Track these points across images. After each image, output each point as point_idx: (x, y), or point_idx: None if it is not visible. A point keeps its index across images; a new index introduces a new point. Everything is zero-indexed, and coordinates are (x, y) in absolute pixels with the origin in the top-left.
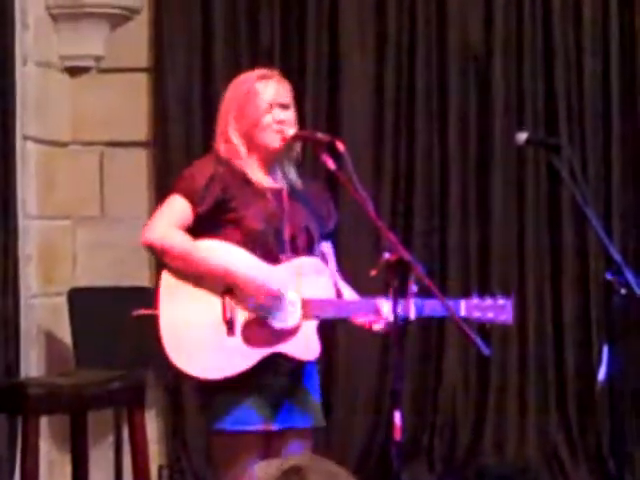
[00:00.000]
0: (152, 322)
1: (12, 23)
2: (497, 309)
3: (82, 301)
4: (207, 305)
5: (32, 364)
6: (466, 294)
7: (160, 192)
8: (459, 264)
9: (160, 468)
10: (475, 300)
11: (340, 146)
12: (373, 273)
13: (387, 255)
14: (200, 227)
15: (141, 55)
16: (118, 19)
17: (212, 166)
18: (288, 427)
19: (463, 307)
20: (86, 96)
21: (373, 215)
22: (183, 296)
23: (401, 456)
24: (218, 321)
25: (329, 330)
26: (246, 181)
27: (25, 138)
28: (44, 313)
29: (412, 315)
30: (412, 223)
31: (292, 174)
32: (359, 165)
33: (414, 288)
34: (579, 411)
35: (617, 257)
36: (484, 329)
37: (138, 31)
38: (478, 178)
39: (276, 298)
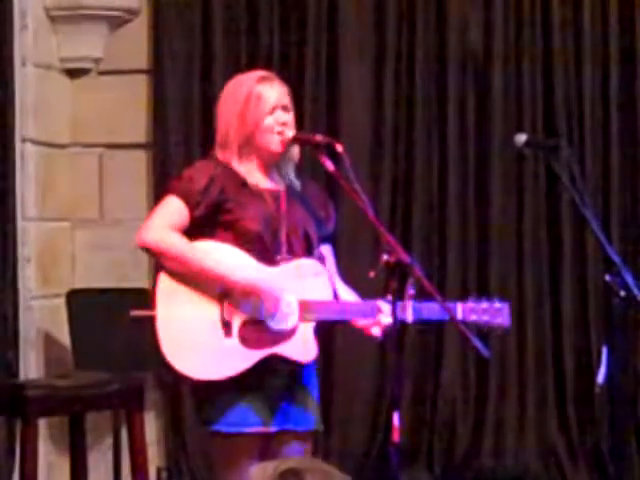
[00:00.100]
0: (150, 324)
1: (11, 25)
2: (493, 312)
3: (81, 303)
4: (204, 306)
5: (31, 366)
6: (465, 296)
7: (159, 194)
8: (458, 266)
9: (159, 470)
10: (471, 303)
11: (339, 148)
12: (372, 275)
13: (386, 257)
14: (197, 228)
15: (140, 57)
16: (117, 21)
17: (210, 168)
18: (286, 429)
19: (459, 310)
20: (85, 98)
21: (372, 217)
22: (180, 297)
23: (400, 458)
24: (215, 323)
25: (328, 332)
26: (244, 183)
27: (24, 140)
28: (43, 315)
29: (409, 317)
30: (411, 225)
31: (290, 176)
32: (358, 169)
33: (411, 290)
34: (578, 413)
35: (616, 259)
36: (483, 331)
37: (137, 33)
38: (477, 180)
39: (273, 302)
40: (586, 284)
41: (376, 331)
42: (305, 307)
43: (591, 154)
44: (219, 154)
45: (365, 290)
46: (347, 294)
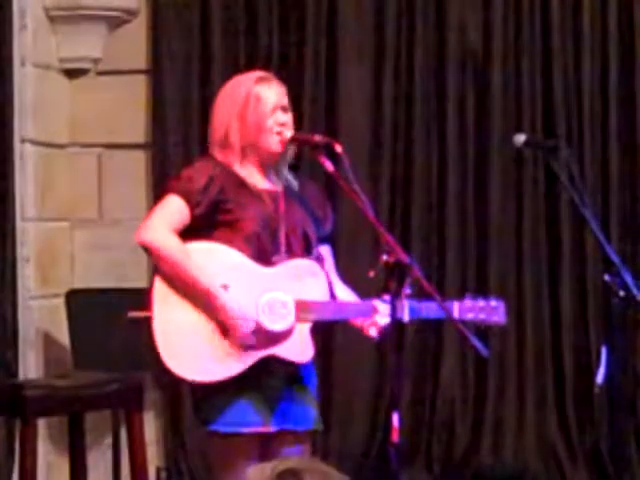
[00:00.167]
0: (148, 324)
1: (10, 25)
2: (489, 310)
3: (80, 303)
4: (200, 308)
5: (30, 366)
6: (463, 296)
7: (158, 194)
8: (457, 266)
9: (158, 469)
10: (468, 302)
11: (338, 148)
12: (371, 275)
13: (385, 257)
14: (196, 228)
15: (139, 57)
16: (116, 21)
17: (210, 168)
18: (286, 429)
19: (456, 309)
20: (84, 98)
21: (371, 217)
22: (176, 299)
23: (399, 457)
24: (212, 324)
25: (327, 331)
26: (243, 183)
27: (23, 140)
28: (42, 315)
29: (406, 317)
30: (410, 225)
31: (287, 176)
32: (357, 169)
33: (408, 290)
34: (577, 412)
35: (615, 259)
36: (482, 330)
37: (136, 33)
38: (476, 180)
39: (251, 329)
40: (585, 284)
41: (372, 332)
42: (302, 307)
43: (590, 154)
44: (218, 154)
45: (364, 290)
46: (346, 294)
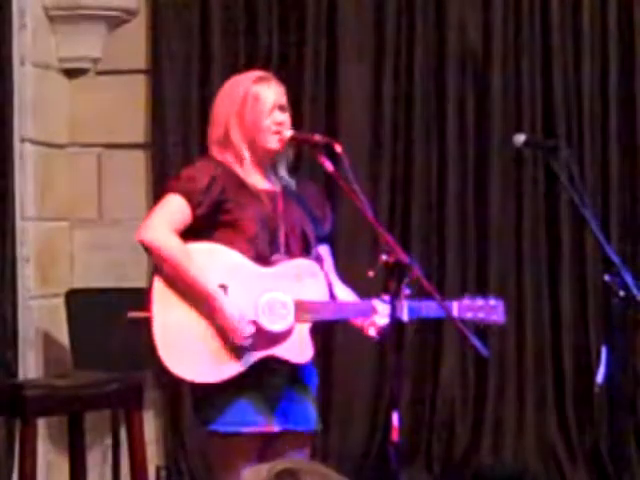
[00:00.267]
0: (146, 323)
1: (10, 24)
2: (488, 309)
3: (80, 302)
4: (200, 308)
5: (30, 365)
6: (463, 296)
7: (158, 194)
8: (457, 266)
9: (158, 469)
10: (466, 301)
11: (338, 148)
12: (371, 274)
13: (385, 257)
14: (197, 228)
15: (139, 57)
16: (116, 21)
17: (211, 168)
18: (286, 429)
19: (455, 308)
20: (84, 98)
21: (371, 217)
22: (175, 300)
23: (399, 457)
24: (211, 325)
25: (326, 332)
26: (242, 183)
27: (23, 140)
28: (42, 314)
29: (405, 317)
30: (410, 225)
31: (285, 175)
32: (357, 169)
33: (407, 290)
34: (577, 413)
35: (615, 259)
36: (482, 330)
37: (136, 33)
38: (476, 179)
39: (249, 333)
40: (585, 284)
41: (372, 332)
42: (301, 307)
43: (590, 154)
44: (217, 153)
45: (364, 290)
46: (345, 294)
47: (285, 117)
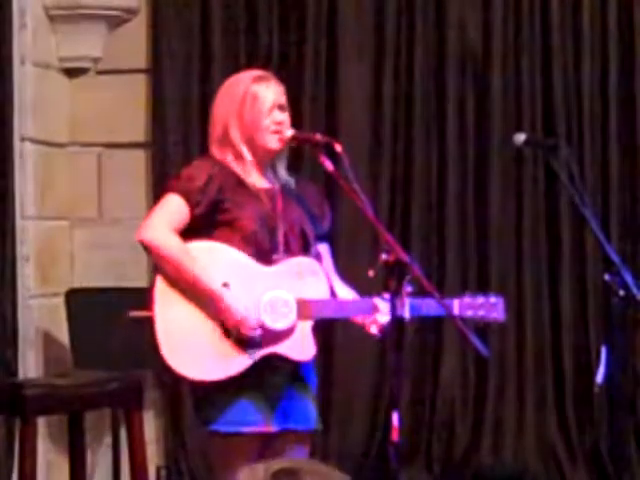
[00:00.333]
0: (149, 323)
1: (10, 24)
2: (489, 307)
3: (80, 302)
4: (202, 307)
5: (30, 365)
6: (464, 294)
7: (158, 194)
8: (457, 265)
9: (158, 468)
10: (467, 298)
11: (338, 147)
12: (371, 274)
13: (385, 256)
14: (195, 227)
15: (139, 56)
16: (116, 20)
17: (209, 167)
18: (286, 429)
19: (456, 306)
20: (84, 97)
21: (371, 216)
22: (178, 298)
23: (399, 457)
24: (213, 323)
25: (327, 331)
26: (240, 182)
27: (23, 139)
28: (42, 314)
29: (407, 314)
30: (410, 224)
31: (284, 174)
32: (357, 168)
33: (409, 288)
34: (577, 412)
35: (615, 258)
36: (482, 330)
37: (136, 32)
38: (476, 179)
39: (255, 328)
40: (585, 283)
41: (374, 330)
42: (303, 306)
43: (590, 153)
44: (216, 153)
45: (364, 289)
46: (345, 292)
47: (284, 116)
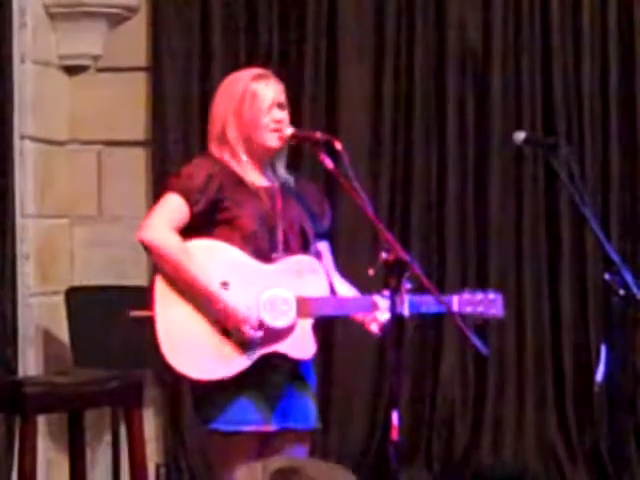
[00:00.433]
0: (149, 322)
1: (10, 22)
2: (488, 303)
3: (80, 300)
4: (201, 306)
5: (30, 363)
6: (463, 290)
7: (158, 191)
8: (457, 264)
9: (157, 466)
10: (466, 295)
11: (338, 145)
12: (371, 273)
13: (385, 255)
14: (195, 226)
15: (139, 54)
16: (116, 18)
17: (209, 165)
18: (287, 428)
19: (455, 302)
20: (84, 95)
21: (371, 215)
22: (178, 297)
23: (399, 456)
24: (214, 322)
25: (326, 329)
26: (240, 181)
27: (23, 137)
28: (42, 312)
29: (406, 312)
30: (410, 223)
31: (282, 173)
32: (357, 167)
33: (408, 285)
34: (577, 412)
35: (615, 257)
36: (481, 328)
37: (136, 30)
38: (476, 178)
39: (238, 321)
40: (585, 283)
41: (374, 327)
42: (303, 304)
43: (590, 152)
44: (215, 151)
45: (364, 287)
46: (345, 289)
47: (284, 115)
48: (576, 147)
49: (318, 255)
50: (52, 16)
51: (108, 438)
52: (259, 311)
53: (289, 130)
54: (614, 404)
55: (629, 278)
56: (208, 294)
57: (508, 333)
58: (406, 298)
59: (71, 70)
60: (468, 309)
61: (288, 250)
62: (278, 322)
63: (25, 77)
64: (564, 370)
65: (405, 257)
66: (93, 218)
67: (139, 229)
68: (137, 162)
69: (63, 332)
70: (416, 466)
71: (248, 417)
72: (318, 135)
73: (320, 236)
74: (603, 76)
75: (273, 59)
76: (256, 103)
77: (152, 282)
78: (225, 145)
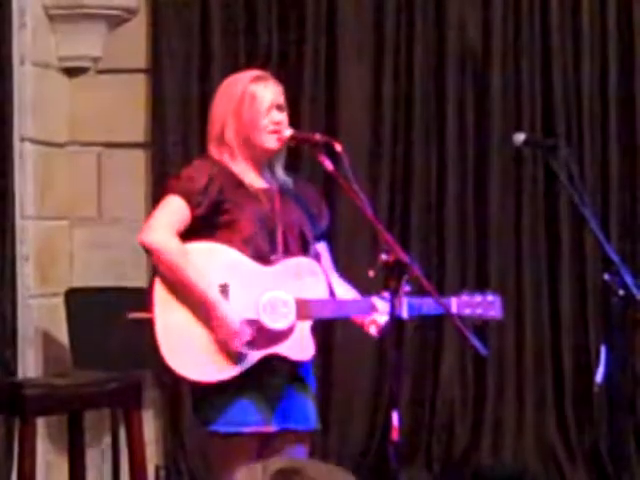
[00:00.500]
0: (148, 324)
1: (10, 23)
2: (486, 305)
3: (79, 302)
4: (200, 310)
5: (29, 364)
6: (461, 292)
7: (157, 193)
8: (456, 266)
9: (157, 468)
10: (465, 297)
11: (337, 147)
12: (371, 274)
13: (384, 256)
14: (196, 229)
15: (139, 56)
16: (116, 20)
17: (209, 167)
18: (287, 429)
19: (454, 304)
20: (84, 97)
21: (371, 216)
22: (177, 300)
23: (399, 456)
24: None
25: (326, 330)
26: (239, 183)
27: (23, 139)
28: (41, 313)
29: (405, 314)
30: (409, 224)
31: (281, 174)
32: (357, 169)
33: (407, 287)
34: (577, 412)
35: (615, 258)
36: (481, 329)
37: (136, 32)
38: (476, 179)
39: (242, 347)
40: (585, 283)
41: (372, 330)
42: (302, 306)
43: (590, 153)
44: (214, 152)
45: (363, 289)
46: (344, 290)
47: (282, 116)
48: (575, 147)
49: (317, 256)
50: (52, 17)
51: (107, 440)
52: (258, 313)
53: (288, 132)
54: (613, 404)
55: (628, 278)
56: (206, 300)
57: (508, 334)
58: (405, 300)
59: (71, 72)
60: (467, 311)
61: (287, 252)
62: (278, 324)
63: (25, 79)
64: (564, 370)
65: (405, 258)
66: (93, 220)
67: (140, 231)
68: (137, 164)
69: (62, 334)
70: (416, 466)
71: (248, 418)
72: (317, 137)
73: (318, 237)
74: (603, 76)
75: (272, 60)
76: (255, 105)
77: (151, 284)
78: (224, 146)
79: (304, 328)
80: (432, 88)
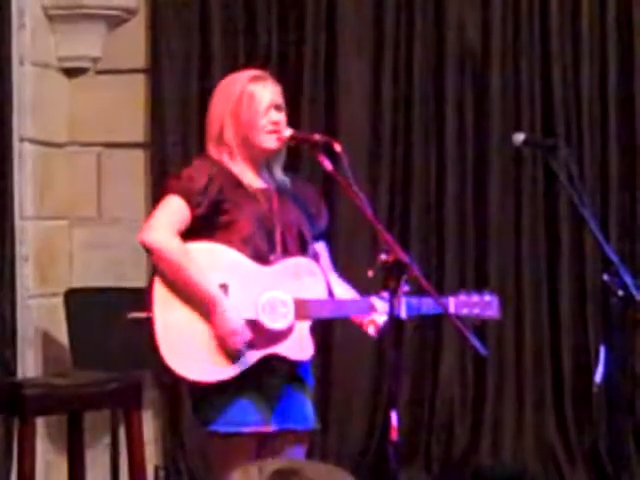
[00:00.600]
0: (148, 324)
1: (9, 23)
2: (483, 305)
3: (79, 302)
4: (201, 309)
5: (29, 364)
6: (459, 291)
7: (157, 193)
8: (456, 266)
9: (156, 468)
10: (462, 297)
11: (337, 147)
12: (370, 274)
13: (384, 256)
14: (196, 229)
15: (138, 56)
16: (115, 20)
17: (208, 167)
18: (286, 429)
19: (452, 304)
20: (83, 97)
21: (370, 216)
22: (177, 299)
23: (398, 456)
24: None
25: (325, 330)
26: (238, 183)
27: (22, 139)
28: (41, 314)
29: (403, 314)
30: (409, 225)
31: (279, 174)
32: (356, 169)
33: (406, 287)
34: (576, 412)
35: (614, 258)
36: (480, 328)
37: (135, 32)
38: (475, 180)
39: (241, 346)
40: (584, 283)
41: (371, 330)
42: (301, 306)
43: (589, 153)
44: (213, 152)
45: (363, 289)
46: (343, 289)
47: (281, 116)
48: (575, 148)
49: (316, 256)
50: (51, 18)
51: (107, 440)
52: (257, 313)
53: (287, 132)
54: (613, 405)
55: (628, 279)
56: (208, 298)
57: (507, 334)
58: (403, 300)
59: (70, 72)
60: (464, 311)
61: (286, 252)
62: (277, 324)
63: (24, 79)
64: (563, 370)
65: (404, 258)
66: (92, 220)
67: (140, 231)
68: (136, 164)
69: (62, 334)
70: (415, 467)
71: (248, 418)
72: (317, 137)
73: (317, 237)
74: (602, 77)
75: (272, 60)
76: (253, 105)
77: (151, 283)
78: (223, 146)
79: (303, 328)
80: (431, 89)
